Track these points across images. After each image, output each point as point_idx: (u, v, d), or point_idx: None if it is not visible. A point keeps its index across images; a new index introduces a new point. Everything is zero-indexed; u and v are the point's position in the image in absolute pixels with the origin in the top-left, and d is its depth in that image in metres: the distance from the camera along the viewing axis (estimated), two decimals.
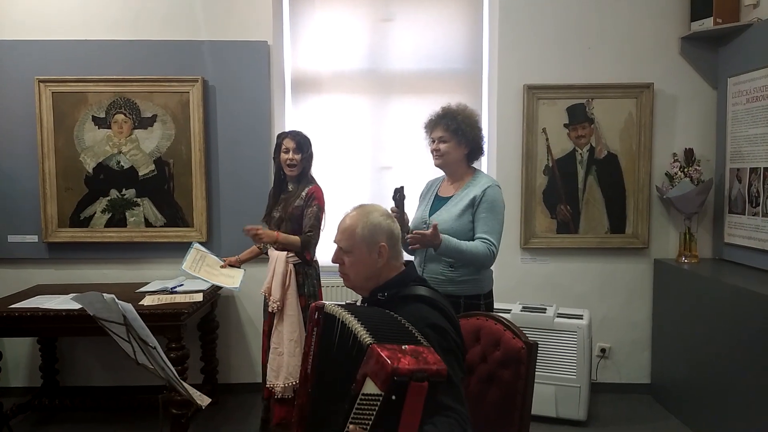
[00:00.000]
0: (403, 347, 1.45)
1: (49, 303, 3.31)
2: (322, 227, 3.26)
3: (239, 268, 3.58)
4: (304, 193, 3.22)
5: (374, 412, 1.40)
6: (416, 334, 1.57)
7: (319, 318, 1.68)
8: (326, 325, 1.66)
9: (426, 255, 2.67)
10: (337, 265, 1.88)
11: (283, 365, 3.12)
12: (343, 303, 1.70)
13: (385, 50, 4.18)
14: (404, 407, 1.38)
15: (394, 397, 1.37)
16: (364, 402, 1.42)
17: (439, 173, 2.92)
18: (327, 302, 1.68)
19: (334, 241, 1.87)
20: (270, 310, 3.18)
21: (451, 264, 2.61)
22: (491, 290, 2.76)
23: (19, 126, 3.89)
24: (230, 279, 3.47)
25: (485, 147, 2.84)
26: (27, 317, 3.20)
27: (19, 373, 4.06)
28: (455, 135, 2.71)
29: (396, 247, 1.87)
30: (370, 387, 1.41)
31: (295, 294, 3.19)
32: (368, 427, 1.40)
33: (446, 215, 2.67)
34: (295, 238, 3.15)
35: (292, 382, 3.11)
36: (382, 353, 1.40)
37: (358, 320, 1.54)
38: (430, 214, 2.76)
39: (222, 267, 3.55)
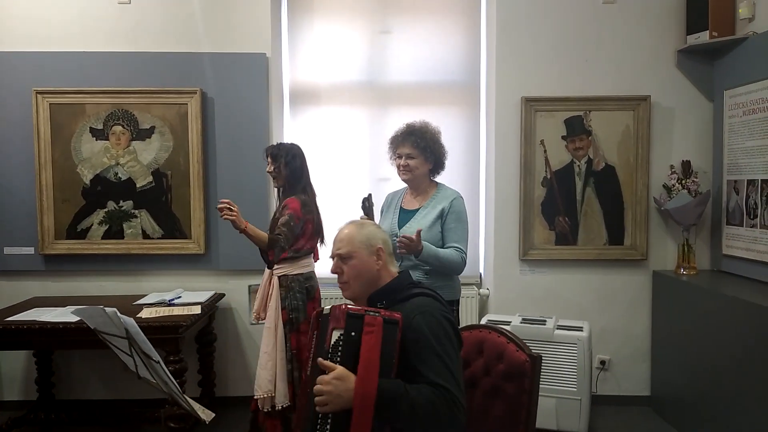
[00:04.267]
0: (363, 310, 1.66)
1: (46, 315, 3.29)
2: (312, 235, 3.25)
3: None
4: (281, 205, 3.23)
5: (339, 353, 1.61)
6: None
7: (318, 323, 1.73)
8: (323, 328, 1.69)
9: (401, 263, 2.78)
10: (336, 276, 1.96)
11: (266, 379, 3.11)
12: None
13: (383, 62, 4.19)
14: (362, 340, 1.59)
15: (353, 333, 1.59)
16: (332, 351, 1.62)
17: (398, 186, 3.10)
18: (326, 307, 1.71)
19: (333, 252, 1.96)
20: (255, 323, 3.19)
21: (427, 271, 2.80)
22: (459, 298, 2.99)
23: (16, 137, 3.87)
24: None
25: (446, 163, 3.01)
26: (23, 330, 3.17)
27: (14, 386, 4.02)
28: (423, 152, 2.88)
29: (391, 253, 1.99)
30: (335, 335, 1.62)
31: (276, 307, 3.14)
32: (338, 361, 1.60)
33: (416, 227, 2.78)
34: (264, 234, 3.12)
35: (261, 395, 3.10)
36: (340, 306, 1.64)
37: None
38: (400, 227, 2.90)
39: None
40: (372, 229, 1.99)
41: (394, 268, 1.98)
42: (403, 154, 2.89)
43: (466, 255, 2.83)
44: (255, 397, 3.13)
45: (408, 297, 1.85)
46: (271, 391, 3.10)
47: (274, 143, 3.39)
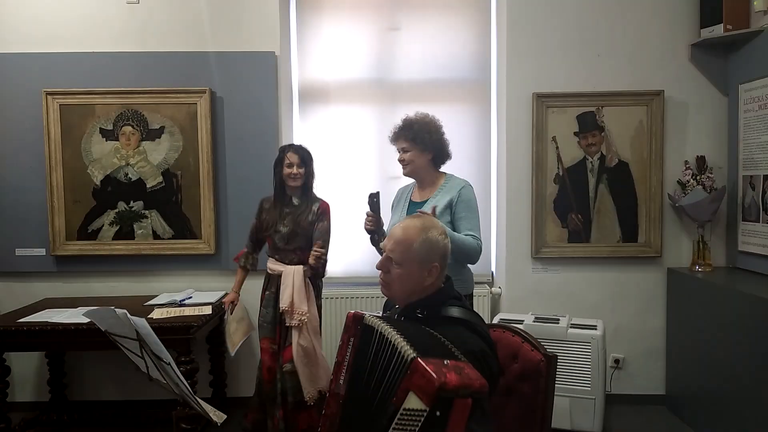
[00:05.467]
0: (445, 362, 1.43)
1: (58, 317, 3.30)
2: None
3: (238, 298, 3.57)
4: (315, 208, 3.27)
5: (416, 428, 1.38)
6: (453, 350, 1.55)
7: (357, 329, 1.64)
8: (364, 337, 1.62)
9: None
10: (380, 271, 1.83)
11: (321, 374, 3.20)
12: (381, 314, 1.67)
13: (392, 60, 4.16)
14: (448, 424, 1.36)
15: (438, 413, 1.35)
16: (406, 417, 1.40)
17: (409, 181, 3.03)
18: (366, 313, 1.65)
19: (385, 249, 1.81)
20: (297, 323, 3.16)
21: None
22: (472, 293, 2.89)
23: (27, 138, 3.88)
24: (239, 330, 3.59)
25: (450, 150, 2.95)
26: (35, 331, 3.18)
27: (26, 387, 4.03)
28: (415, 143, 2.84)
29: (445, 268, 1.83)
30: (412, 402, 1.39)
31: (315, 305, 3.26)
32: None
33: None
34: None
35: (321, 391, 3.20)
36: (427, 367, 1.38)
37: (399, 333, 1.51)
38: None
39: (231, 314, 3.51)
40: (435, 238, 1.78)
41: (441, 280, 1.83)
42: (399, 149, 2.89)
43: (481, 242, 2.77)
44: (308, 396, 3.20)
45: (450, 320, 1.73)
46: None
47: (287, 144, 3.38)
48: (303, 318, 3.15)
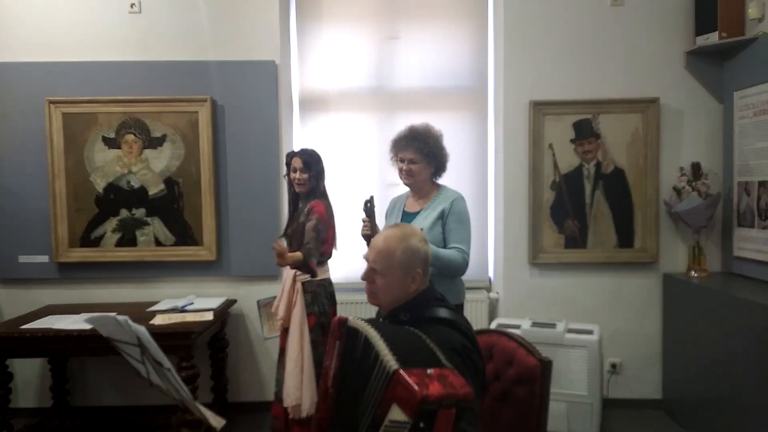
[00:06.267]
0: (428, 371, 1.43)
1: (60, 323, 3.33)
2: (332, 240, 3.27)
3: None
4: (306, 209, 3.19)
5: None
6: (439, 355, 1.56)
7: (342, 332, 1.65)
8: (349, 340, 1.63)
9: None
10: (365, 282, 1.87)
11: (289, 385, 3.09)
12: (367, 318, 1.70)
13: (391, 68, 4.21)
14: None
15: (422, 425, 1.36)
16: (390, 428, 1.41)
17: (402, 190, 3.05)
18: (350, 317, 1.66)
19: (368, 260, 1.85)
20: (278, 328, 3.19)
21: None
22: (463, 302, 2.90)
23: (30, 147, 3.92)
24: None
25: (449, 165, 2.97)
26: (38, 337, 3.21)
27: (29, 393, 4.06)
28: (426, 157, 2.85)
29: (428, 273, 1.87)
30: (396, 413, 1.39)
31: (302, 313, 3.14)
32: None
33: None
34: (299, 254, 3.07)
35: (291, 404, 3.07)
36: (409, 379, 1.37)
37: (383, 338, 1.52)
38: None
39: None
40: (415, 245, 1.82)
41: (424, 285, 1.87)
42: (405, 158, 2.86)
43: (468, 255, 2.77)
44: (285, 406, 3.10)
45: (433, 320, 1.77)
46: (299, 399, 3.07)
47: (297, 149, 3.34)
48: (279, 323, 3.16)
